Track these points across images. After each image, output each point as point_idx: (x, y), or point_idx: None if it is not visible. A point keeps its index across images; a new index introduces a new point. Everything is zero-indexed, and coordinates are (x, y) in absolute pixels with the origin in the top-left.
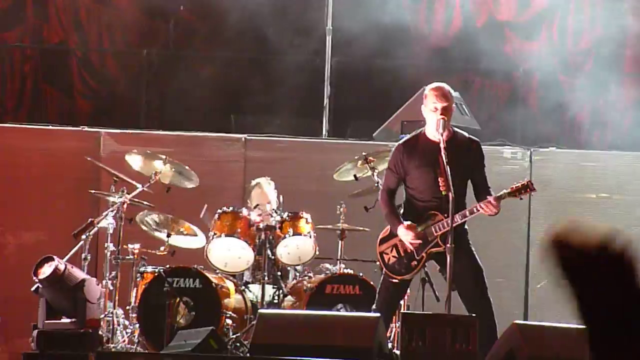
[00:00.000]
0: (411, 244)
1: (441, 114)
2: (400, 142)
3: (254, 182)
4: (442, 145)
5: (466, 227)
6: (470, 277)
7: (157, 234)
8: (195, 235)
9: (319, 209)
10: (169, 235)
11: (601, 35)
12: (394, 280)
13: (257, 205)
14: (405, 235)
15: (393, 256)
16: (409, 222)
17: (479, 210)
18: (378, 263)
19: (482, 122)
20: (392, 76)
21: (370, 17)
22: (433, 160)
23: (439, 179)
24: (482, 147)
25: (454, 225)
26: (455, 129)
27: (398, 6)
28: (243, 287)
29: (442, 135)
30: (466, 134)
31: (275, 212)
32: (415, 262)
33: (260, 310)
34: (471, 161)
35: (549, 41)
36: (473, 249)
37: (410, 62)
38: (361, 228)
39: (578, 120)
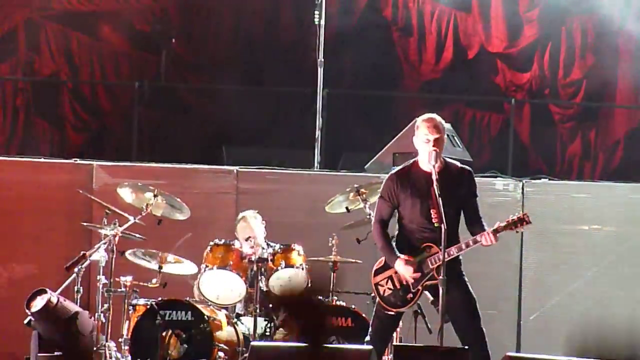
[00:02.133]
0: (411, 278)
1: (433, 146)
2: (393, 171)
3: (240, 216)
4: (434, 177)
5: (460, 258)
6: (464, 308)
7: (148, 265)
8: (181, 262)
9: (311, 241)
10: (160, 268)
11: (593, 66)
12: (390, 313)
13: (249, 237)
14: (405, 270)
15: (389, 288)
16: (406, 257)
17: (477, 242)
18: (373, 294)
19: (473, 154)
20: (384, 108)
21: (361, 49)
22: (425, 191)
23: (432, 210)
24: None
25: (449, 258)
26: (447, 159)
27: (389, 38)
28: (235, 320)
29: (434, 167)
30: (458, 164)
31: (268, 244)
32: (411, 295)
33: (252, 343)
34: (464, 191)
35: (541, 72)
36: (466, 279)
37: (401, 94)
38: (353, 260)
39: (570, 151)
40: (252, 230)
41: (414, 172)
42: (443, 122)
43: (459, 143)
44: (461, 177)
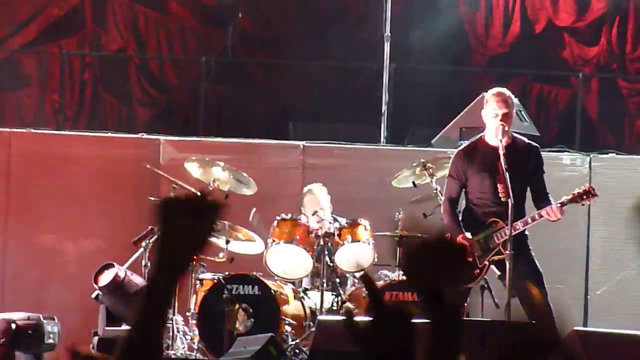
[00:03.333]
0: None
1: (501, 120)
2: (460, 148)
3: (306, 189)
4: (501, 152)
5: (527, 232)
6: (531, 283)
7: (215, 240)
8: (254, 240)
9: (377, 216)
10: (227, 242)
11: None
12: None
13: (316, 212)
14: None
15: None
16: (468, 235)
17: (542, 217)
18: None
19: (540, 129)
20: (451, 83)
21: (428, 23)
22: (492, 166)
23: (499, 185)
24: (542, 153)
25: (515, 233)
26: (514, 135)
27: (456, 12)
28: (302, 294)
29: (501, 142)
30: (525, 140)
31: (334, 219)
32: (478, 271)
33: (319, 317)
34: (531, 167)
35: (608, 46)
36: (533, 254)
37: (468, 68)
38: (420, 234)
39: (638, 126)
40: (319, 203)
41: (480, 147)
42: (512, 96)
43: (526, 118)
44: (528, 153)
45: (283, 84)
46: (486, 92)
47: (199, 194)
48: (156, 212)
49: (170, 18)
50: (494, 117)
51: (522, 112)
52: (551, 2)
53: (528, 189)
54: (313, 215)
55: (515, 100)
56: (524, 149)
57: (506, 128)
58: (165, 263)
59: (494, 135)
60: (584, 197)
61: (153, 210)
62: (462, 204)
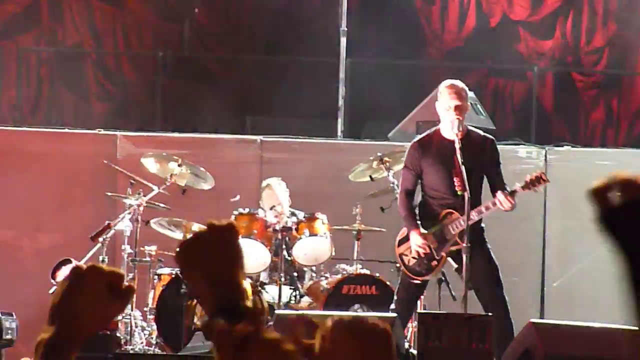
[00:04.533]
0: (419, 247)
1: (455, 112)
2: (415, 139)
3: (264, 183)
4: (457, 145)
5: (483, 225)
6: (487, 276)
7: (172, 234)
8: None
9: (335, 210)
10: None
11: (615, 34)
12: (415, 281)
13: (274, 206)
14: (416, 241)
15: (412, 257)
16: (423, 230)
17: (495, 205)
18: (398, 265)
19: (496, 122)
20: (407, 76)
21: (384, 17)
22: (448, 159)
23: (455, 178)
24: (498, 146)
25: (470, 223)
26: (470, 128)
27: (412, 6)
28: (260, 288)
29: (457, 135)
30: (481, 132)
31: (292, 213)
32: (436, 262)
33: (277, 311)
34: (486, 159)
35: (563, 39)
36: (490, 247)
37: (425, 62)
38: (377, 229)
39: (593, 119)
40: (277, 198)
41: (436, 139)
42: (466, 89)
43: (482, 111)
44: (484, 146)
45: (240, 79)
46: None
47: (119, 272)
48: (71, 280)
49: (126, 13)
50: (447, 109)
51: (478, 106)
52: None
53: (485, 181)
54: (271, 209)
55: (471, 94)
56: (479, 141)
57: (461, 120)
58: (65, 335)
59: (449, 129)
60: (536, 183)
61: (69, 277)
62: (418, 199)
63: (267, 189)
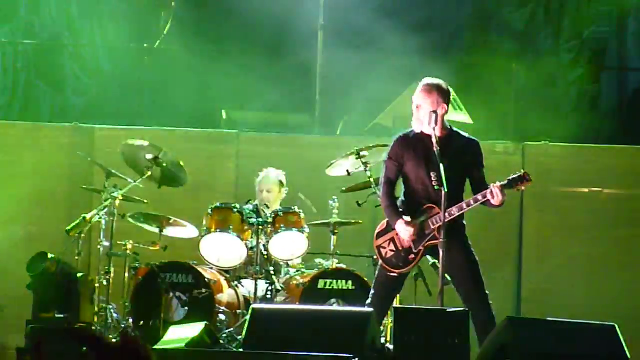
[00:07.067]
0: (410, 239)
1: (417, 108)
2: (401, 134)
3: (263, 173)
4: (434, 140)
5: (464, 222)
6: (468, 274)
7: (149, 228)
8: (184, 226)
9: (312, 204)
10: (161, 230)
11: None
12: (392, 274)
13: (249, 200)
14: (405, 231)
15: (390, 250)
16: (408, 219)
17: (478, 201)
18: (375, 257)
19: (475, 117)
20: (384, 70)
21: (360, 13)
22: (426, 153)
23: (432, 173)
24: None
25: (451, 219)
26: (456, 129)
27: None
28: (236, 283)
29: (434, 130)
30: (466, 135)
31: (266, 206)
32: (413, 256)
33: (253, 305)
34: (469, 159)
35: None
36: (470, 242)
37: (402, 55)
38: (354, 221)
39: (569, 114)
40: (269, 185)
41: (417, 135)
42: (442, 84)
43: (461, 107)
44: (467, 146)
45: (217, 72)
46: (419, 81)
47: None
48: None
49: (104, 6)
50: (416, 108)
51: (457, 102)
52: None
53: (467, 180)
54: (247, 203)
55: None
56: (463, 142)
57: (439, 115)
58: None
59: (426, 124)
60: (519, 182)
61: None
62: (402, 193)
63: (263, 178)
